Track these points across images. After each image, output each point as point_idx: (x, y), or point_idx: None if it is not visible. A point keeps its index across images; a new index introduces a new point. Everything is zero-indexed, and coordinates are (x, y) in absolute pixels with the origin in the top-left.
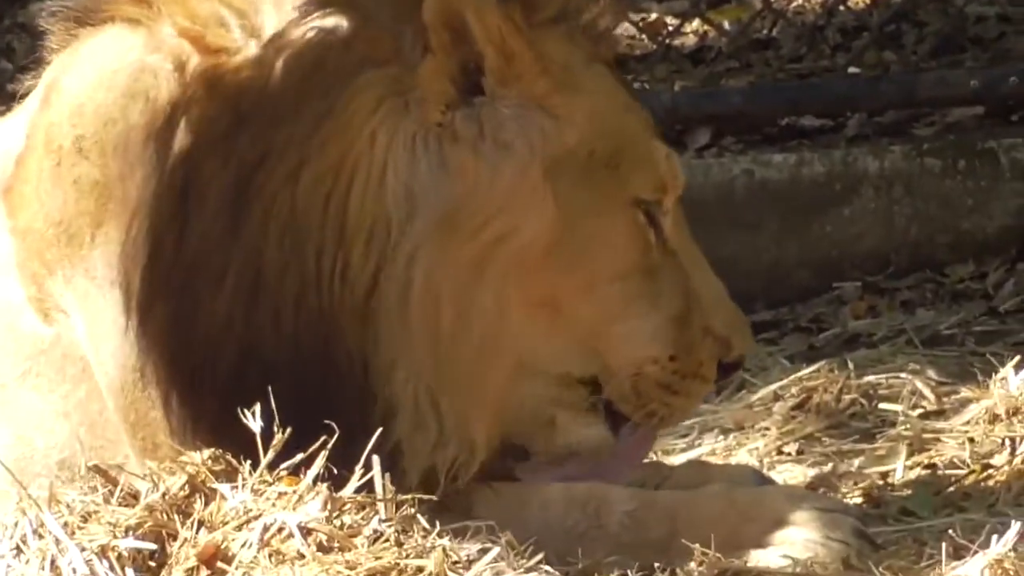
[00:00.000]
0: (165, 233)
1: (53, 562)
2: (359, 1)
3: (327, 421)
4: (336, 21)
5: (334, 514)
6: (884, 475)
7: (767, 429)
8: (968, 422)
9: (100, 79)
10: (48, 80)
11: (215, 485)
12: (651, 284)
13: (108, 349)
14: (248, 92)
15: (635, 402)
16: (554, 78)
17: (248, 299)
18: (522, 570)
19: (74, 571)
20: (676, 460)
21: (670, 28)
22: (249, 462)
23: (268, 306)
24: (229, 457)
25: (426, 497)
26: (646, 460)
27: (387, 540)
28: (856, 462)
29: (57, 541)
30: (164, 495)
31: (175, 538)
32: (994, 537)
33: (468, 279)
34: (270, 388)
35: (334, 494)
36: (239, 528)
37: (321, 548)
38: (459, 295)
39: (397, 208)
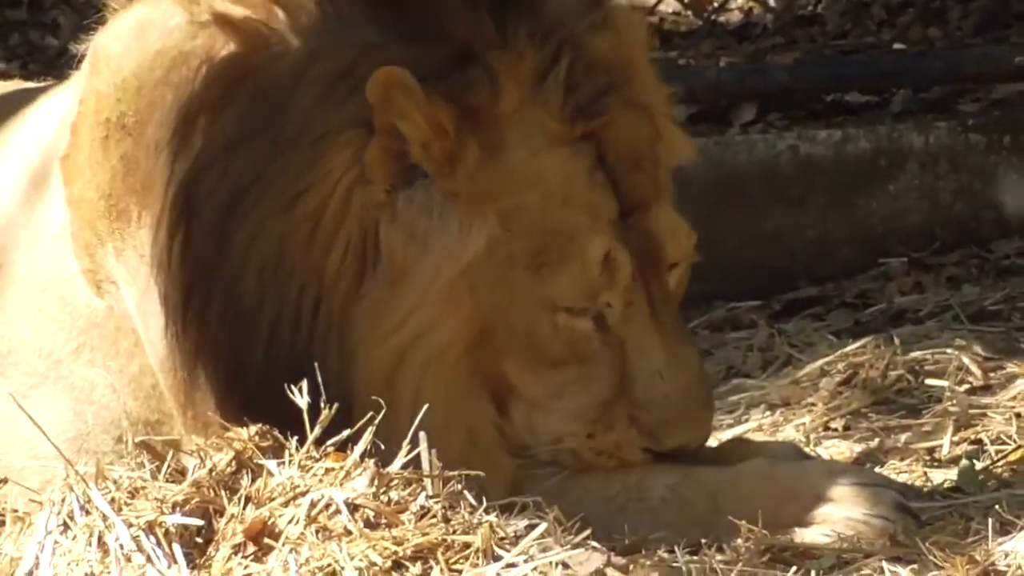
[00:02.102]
0: (175, 239)
1: (100, 538)
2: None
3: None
4: (353, 57)
5: (381, 490)
6: (930, 451)
7: (813, 405)
8: (1015, 397)
9: (144, 57)
10: (97, 44)
11: (262, 461)
12: (584, 369)
13: (156, 327)
14: (260, 105)
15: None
16: (471, 180)
17: (232, 326)
18: (569, 546)
19: (121, 547)
20: (723, 436)
21: (715, 4)
22: (296, 438)
23: (245, 336)
24: (276, 433)
25: (473, 473)
26: None
27: (434, 516)
28: (902, 438)
29: (104, 517)
30: (211, 471)
31: (222, 514)
32: None
33: (390, 369)
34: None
35: (381, 470)
36: (286, 504)
37: (368, 524)
38: (384, 384)
39: (354, 274)
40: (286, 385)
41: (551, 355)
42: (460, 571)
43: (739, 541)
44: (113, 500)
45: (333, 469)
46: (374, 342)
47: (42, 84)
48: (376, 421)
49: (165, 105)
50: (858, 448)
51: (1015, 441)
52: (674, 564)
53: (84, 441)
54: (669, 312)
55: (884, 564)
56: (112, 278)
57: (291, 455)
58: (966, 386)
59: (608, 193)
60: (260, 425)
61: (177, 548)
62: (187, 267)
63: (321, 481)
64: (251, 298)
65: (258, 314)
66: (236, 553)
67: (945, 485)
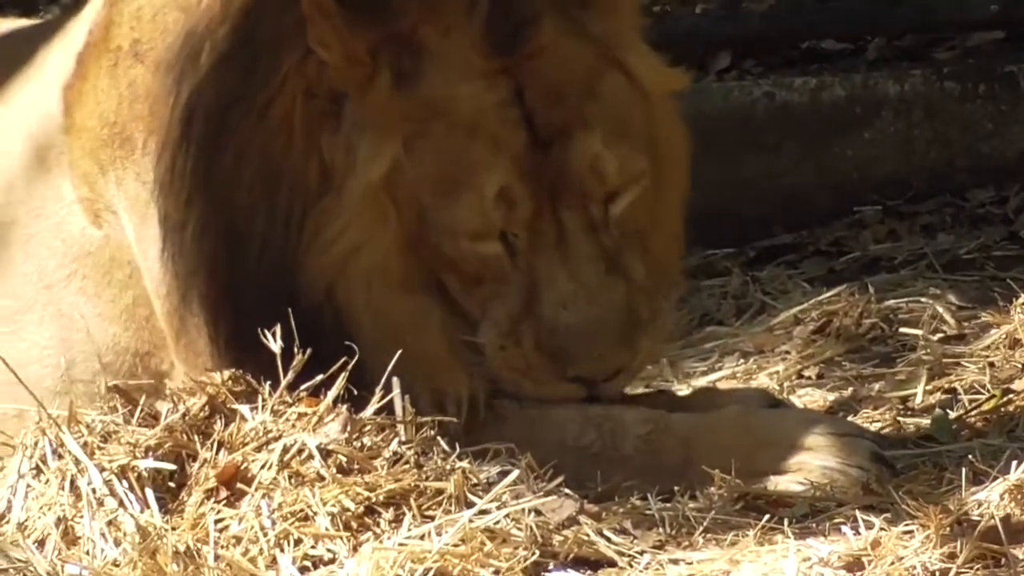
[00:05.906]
0: (177, 158)
1: (72, 482)
2: None
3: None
4: None
5: (354, 436)
6: (904, 400)
7: (787, 353)
8: (988, 347)
9: None
10: None
11: (235, 406)
12: (500, 287)
13: (155, 254)
14: (247, 18)
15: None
16: (380, 109)
17: (227, 241)
18: (542, 492)
19: (93, 491)
20: (697, 383)
21: None
22: (269, 383)
23: (239, 249)
24: (249, 378)
25: (446, 419)
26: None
27: (407, 462)
28: (876, 387)
29: (77, 461)
30: (184, 415)
31: (195, 459)
32: (1013, 463)
33: (332, 278)
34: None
35: (354, 416)
36: (259, 449)
37: (341, 470)
38: (325, 292)
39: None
40: (259, 330)
41: (467, 274)
42: (432, 517)
43: (712, 489)
44: (86, 444)
45: (306, 414)
46: (317, 249)
47: (42, 21)
48: (349, 367)
49: (176, 28)
50: (831, 397)
51: (988, 390)
52: (647, 511)
53: (69, 368)
54: (588, 244)
55: (857, 513)
56: (112, 207)
57: (264, 400)
58: (940, 335)
59: (518, 128)
60: (233, 370)
61: (149, 492)
62: (186, 185)
63: (294, 426)
64: (245, 211)
65: (252, 225)
66: (208, 498)
67: (918, 434)
